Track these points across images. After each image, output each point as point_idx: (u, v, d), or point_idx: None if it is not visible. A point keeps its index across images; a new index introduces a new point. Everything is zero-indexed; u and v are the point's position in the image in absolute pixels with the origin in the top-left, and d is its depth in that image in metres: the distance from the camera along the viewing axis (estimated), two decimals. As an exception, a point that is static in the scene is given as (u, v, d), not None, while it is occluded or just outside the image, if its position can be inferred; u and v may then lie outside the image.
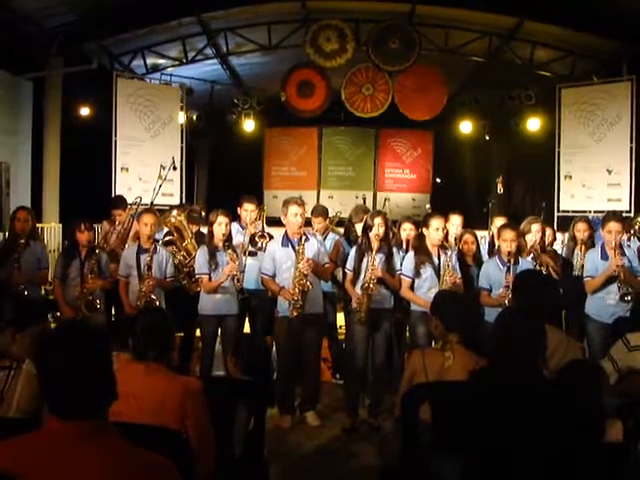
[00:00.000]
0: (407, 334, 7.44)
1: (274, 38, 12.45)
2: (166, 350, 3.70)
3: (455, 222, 7.90)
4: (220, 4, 11.41)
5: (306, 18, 12.01)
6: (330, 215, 9.01)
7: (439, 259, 6.93)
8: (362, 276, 6.78)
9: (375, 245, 6.75)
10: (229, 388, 4.26)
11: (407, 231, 7.82)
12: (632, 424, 2.84)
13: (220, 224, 7.14)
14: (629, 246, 7.67)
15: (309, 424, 6.90)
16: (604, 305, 6.98)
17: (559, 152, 12.85)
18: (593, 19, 10.95)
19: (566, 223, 10.27)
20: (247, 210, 8.15)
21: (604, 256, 7.11)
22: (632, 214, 11.23)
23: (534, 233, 7.49)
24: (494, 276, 6.82)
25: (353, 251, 7.00)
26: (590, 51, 12.52)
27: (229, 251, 7.06)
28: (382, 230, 6.81)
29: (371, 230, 6.81)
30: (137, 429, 2.84)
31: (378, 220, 6.82)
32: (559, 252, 8.48)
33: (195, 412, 3.52)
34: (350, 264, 6.95)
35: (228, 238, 7.21)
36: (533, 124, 13.86)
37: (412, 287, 6.98)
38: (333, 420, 7.04)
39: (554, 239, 8.62)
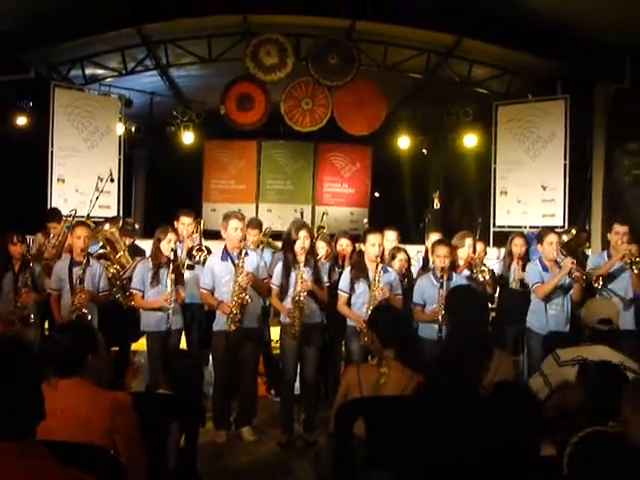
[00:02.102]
0: (342, 349, 7.48)
1: (214, 51, 12.39)
2: (77, 366, 3.60)
3: (390, 237, 7.97)
4: (160, 15, 11.31)
5: (247, 32, 11.98)
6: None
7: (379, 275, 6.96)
8: (290, 290, 6.79)
9: (302, 258, 6.75)
10: (160, 404, 4.22)
11: (343, 246, 7.88)
12: (560, 437, 2.89)
13: (169, 242, 7.11)
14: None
15: (245, 439, 6.90)
16: (546, 316, 7.15)
17: (495, 168, 13.04)
18: (529, 39, 11.16)
19: (502, 238, 10.43)
20: (184, 223, 8.14)
21: (545, 268, 7.32)
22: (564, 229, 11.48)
23: (466, 248, 7.60)
24: (428, 292, 6.90)
25: (279, 266, 6.99)
26: (526, 70, 12.75)
27: (172, 276, 6.98)
28: (307, 243, 6.83)
29: (296, 243, 6.82)
30: (65, 447, 2.80)
31: (303, 233, 6.85)
32: (493, 267, 8.63)
33: (125, 427, 3.46)
34: (277, 279, 6.95)
35: (174, 256, 7.15)
36: (470, 140, 14.05)
37: (349, 302, 7.02)
38: (269, 435, 7.05)
39: (485, 254, 8.76)
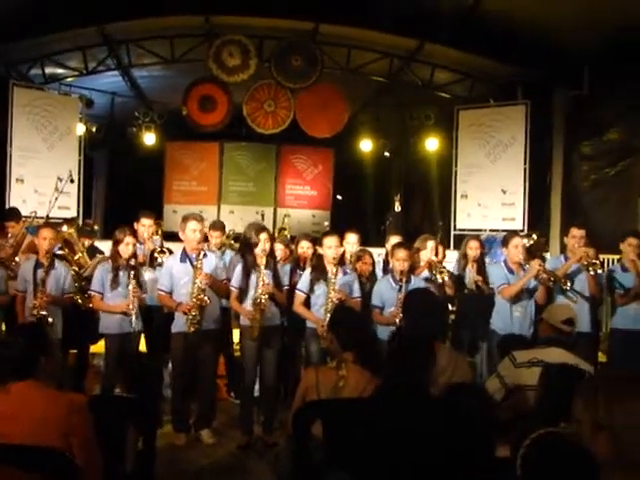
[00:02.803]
0: (303, 351, 7.48)
1: (177, 51, 12.32)
2: (30, 368, 3.57)
3: (351, 240, 7.99)
4: (122, 15, 11.23)
5: (209, 33, 11.95)
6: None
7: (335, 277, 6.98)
8: (251, 293, 6.78)
9: (263, 261, 6.75)
10: (117, 407, 4.19)
11: (304, 249, 7.89)
12: (514, 438, 2.92)
13: (127, 244, 7.07)
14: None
15: (204, 442, 6.86)
16: (511, 318, 7.23)
17: (456, 172, 13.13)
18: (491, 45, 11.29)
19: (462, 242, 10.52)
20: (144, 225, 8.11)
21: (510, 271, 7.42)
22: (525, 233, 11.60)
23: (429, 250, 7.65)
24: (386, 294, 6.92)
25: (239, 268, 6.99)
26: (487, 75, 12.88)
27: (133, 281, 6.95)
28: (268, 245, 6.83)
29: (256, 246, 6.82)
30: (19, 450, 2.77)
31: (264, 236, 6.84)
32: (452, 270, 8.69)
33: (81, 428, 3.43)
34: (236, 281, 6.93)
35: (133, 258, 7.14)
36: (432, 144, 14.16)
37: (308, 304, 7.04)
38: (228, 437, 7.02)
39: (444, 257, 8.83)
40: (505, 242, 7.68)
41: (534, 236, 9.55)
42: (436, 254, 7.83)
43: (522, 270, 7.45)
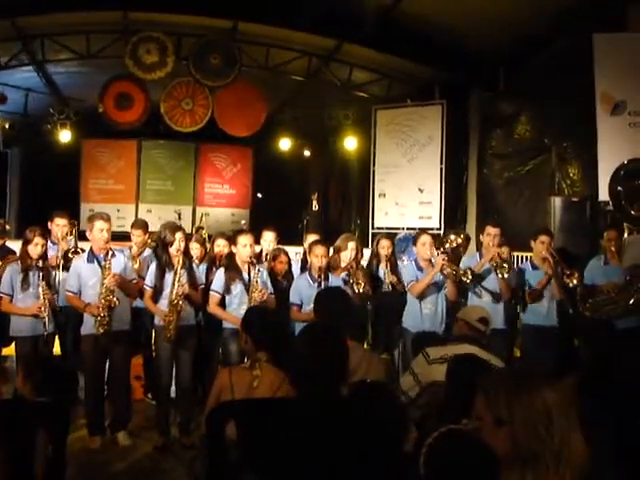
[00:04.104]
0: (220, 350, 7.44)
1: (93, 47, 12.10)
2: None
3: (268, 238, 8.01)
4: (37, 8, 10.94)
5: (127, 29, 11.77)
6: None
7: (249, 275, 6.96)
8: (165, 292, 6.73)
9: (179, 260, 6.70)
10: (25, 411, 4.09)
11: (220, 247, 7.85)
12: (421, 434, 2.96)
13: (36, 245, 6.90)
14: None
15: (120, 444, 6.76)
16: (421, 315, 7.31)
17: (374, 171, 13.28)
18: (409, 45, 11.44)
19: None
20: (58, 225, 7.96)
21: (419, 268, 7.51)
22: (442, 231, 11.80)
23: (349, 251, 7.68)
24: (305, 292, 6.91)
25: (153, 267, 6.93)
26: (405, 75, 13.05)
27: (43, 283, 6.81)
28: (183, 245, 6.79)
29: (172, 245, 6.77)
30: None
31: (179, 235, 6.80)
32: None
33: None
34: (150, 280, 6.87)
35: (43, 258, 6.98)
36: (350, 143, 14.28)
37: (224, 304, 7.01)
38: (145, 439, 6.94)
39: (362, 255, 8.89)
40: (414, 240, 7.79)
41: (462, 235, 9.67)
42: (356, 254, 7.85)
43: (431, 267, 7.55)
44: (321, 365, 3.21)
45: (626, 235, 8.07)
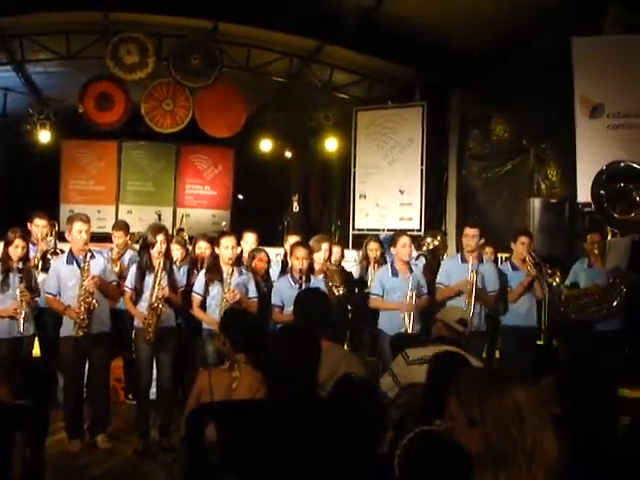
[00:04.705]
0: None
1: (73, 47, 12.03)
2: None
3: (249, 240, 8.01)
4: (16, 8, 10.86)
5: (107, 29, 11.71)
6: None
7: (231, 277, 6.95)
8: (145, 294, 6.71)
9: (160, 262, 6.68)
10: (2, 414, 4.06)
11: (202, 249, 7.85)
12: (397, 434, 2.98)
13: (17, 247, 6.86)
14: (416, 264, 8.13)
15: (99, 447, 6.72)
16: (397, 319, 7.33)
17: (355, 172, 13.30)
18: (389, 47, 11.47)
19: (361, 241, 10.65)
20: (38, 226, 7.93)
21: (394, 273, 7.51)
22: (422, 232, 11.83)
23: (323, 252, 7.70)
24: (286, 293, 6.92)
25: (133, 268, 6.91)
26: (386, 76, 13.07)
27: (21, 285, 6.77)
28: (164, 247, 6.77)
29: (152, 247, 6.75)
30: None
31: (160, 237, 6.77)
32: (351, 269, 8.80)
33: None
34: (130, 282, 6.85)
35: (24, 260, 6.93)
36: (331, 144, 14.28)
37: (204, 305, 7.00)
38: (125, 442, 6.92)
39: (342, 257, 8.92)
40: (393, 242, 7.78)
41: (439, 237, 9.72)
42: (329, 255, 7.87)
43: (408, 270, 7.57)
44: (296, 366, 3.22)
45: (610, 237, 8.16)
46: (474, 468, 2.26)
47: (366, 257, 8.49)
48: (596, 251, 7.85)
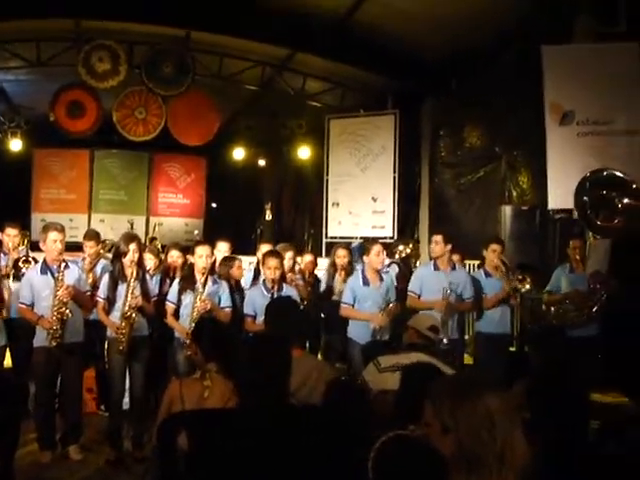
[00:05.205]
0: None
1: (44, 55, 11.96)
2: None
3: (222, 249, 8.01)
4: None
5: (79, 37, 11.65)
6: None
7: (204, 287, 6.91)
8: (118, 304, 6.67)
9: (133, 272, 6.65)
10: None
11: (174, 258, 7.82)
12: (367, 441, 2.98)
13: None
14: (388, 272, 8.15)
15: (71, 458, 6.65)
16: (367, 328, 7.32)
17: (328, 180, 13.33)
18: (362, 55, 11.52)
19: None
20: (9, 235, 7.86)
21: (365, 282, 7.51)
22: (395, 240, 11.86)
23: (287, 260, 7.72)
24: (259, 302, 6.86)
25: (106, 278, 6.87)
26: (358, 84, 13.13)
27: None
28: (137, 256, 6.73)
29: (125, 256, 6.71)
30: None
31: (133, 246, 6.73)
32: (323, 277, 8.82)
33: None
34: (103, 292, 6.80)
35: None
36: (304, 152, 14.33)
37: (177, 314, 6.98)
38: (97, 453, 6.84)
39: (315, 265, 8.95)
40: (367, 250, 7.71)
41: (411, 245, 9.77)
42: (293, 264, 7.89)
43: (378, 279, 7.58)
44: (267, 375, 3.22)
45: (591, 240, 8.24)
46: (447, 472, 2.29)
47: (333, 264, 8.51)
48: (577, 256, 7.92)
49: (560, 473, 3.04)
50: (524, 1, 9.10)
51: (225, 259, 7.92)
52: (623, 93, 8.45)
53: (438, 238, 7.78)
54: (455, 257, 8.13)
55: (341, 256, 8.43)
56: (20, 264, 7.66)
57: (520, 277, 7.68)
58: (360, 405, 3.85)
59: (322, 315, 8.45)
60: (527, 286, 7.68)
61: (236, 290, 7.66)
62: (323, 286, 8.62)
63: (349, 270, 8.30)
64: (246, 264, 8.61)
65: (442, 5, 9.75)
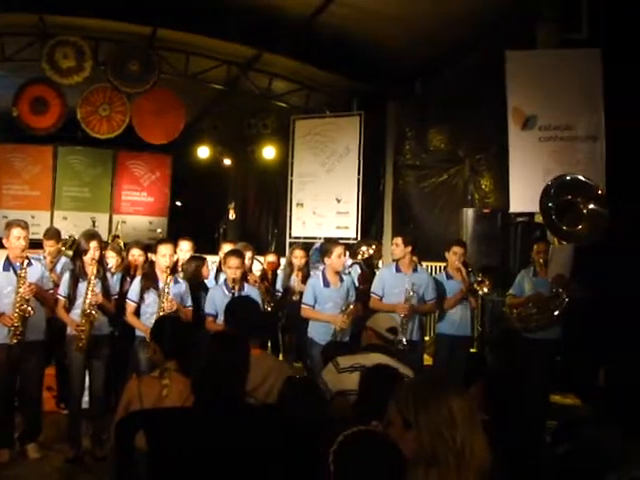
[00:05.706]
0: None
1: (7, 50, 11.82)
2: None
3: (184, 248, 8.00)
4: (-55, 10, 10.65)
5: (43, 32, 11.54)
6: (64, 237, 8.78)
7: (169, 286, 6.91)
8: (78, 302, 6.64)
9: (93, 269, 6.62)
10: None
11: (135, 256, 7.80)
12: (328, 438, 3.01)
13: None
14: (349, 273, 8.19)
15: (30, 457, 6.62)
16: (327, 329, 7.36)
17: (292, 180, 13.34)
18: (328, 57, 11.56)
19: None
20: (-31, 233, 7.75)
21: (326, 283, 7.54)
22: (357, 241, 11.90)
23: (247, 260, 7.75)
24: (220, 301, 6.87)
25: (66, 275, 6.84)
26: (324, 85, 13.17)
27: None
28: (97, 254, 6.71)
29: (86, 254, 6.68)
30: None
31: (94, 244, 6.72)
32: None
33: None
34: (63, 289, 6.77)
35: None
36: (269, 152, 14.33)
37: (138, 312, 6.96)
38: (56, 451, 6.82)
39: (278, 265, 8.99)
40: (328, 252, 7.63)
41: (374, 246, 9.82)
42: (251, 265, 7.92)
43: (339, 280, 7.60)
44: (223, 374, 3.24)
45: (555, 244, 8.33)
46: (407, 467, 2.34)
47: (290, 264, 8.57)
48: (542, 260, 8.00)
49: (516, 473, 3.10)
50: (488, 6, 9.17)
51: (194, 258, 7.93)
52: (585, 99, 8.56)
53: (398, 240, 7.84)
54: (414, 259, 8.19)
55: (298, 257, 8.50)
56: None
57: (479, 279, 7.77)
58: (314, 401, 3.87)
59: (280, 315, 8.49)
60: (485, 289, 7.77)
61: (202, 290, 7.66)
62: (279, 285, 8.66)
63: (305, 271, 8.36)
64: (209, 263, 8.60)
65: (408, 9, 9.80)
